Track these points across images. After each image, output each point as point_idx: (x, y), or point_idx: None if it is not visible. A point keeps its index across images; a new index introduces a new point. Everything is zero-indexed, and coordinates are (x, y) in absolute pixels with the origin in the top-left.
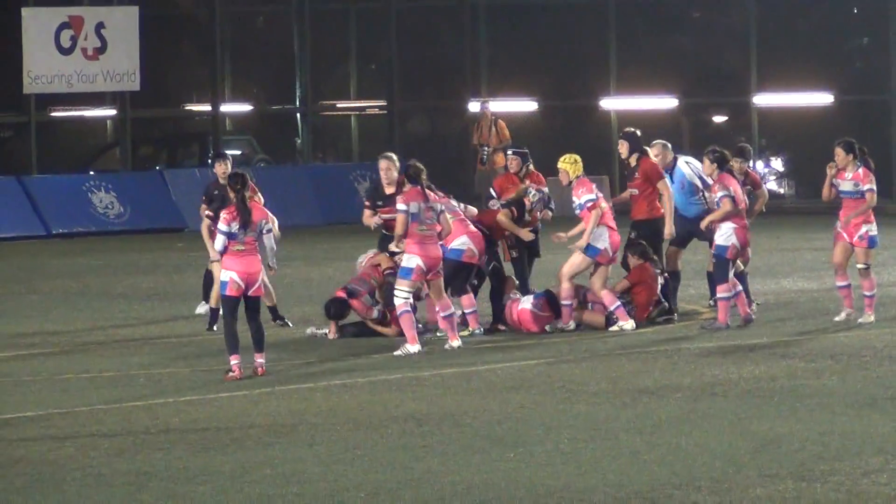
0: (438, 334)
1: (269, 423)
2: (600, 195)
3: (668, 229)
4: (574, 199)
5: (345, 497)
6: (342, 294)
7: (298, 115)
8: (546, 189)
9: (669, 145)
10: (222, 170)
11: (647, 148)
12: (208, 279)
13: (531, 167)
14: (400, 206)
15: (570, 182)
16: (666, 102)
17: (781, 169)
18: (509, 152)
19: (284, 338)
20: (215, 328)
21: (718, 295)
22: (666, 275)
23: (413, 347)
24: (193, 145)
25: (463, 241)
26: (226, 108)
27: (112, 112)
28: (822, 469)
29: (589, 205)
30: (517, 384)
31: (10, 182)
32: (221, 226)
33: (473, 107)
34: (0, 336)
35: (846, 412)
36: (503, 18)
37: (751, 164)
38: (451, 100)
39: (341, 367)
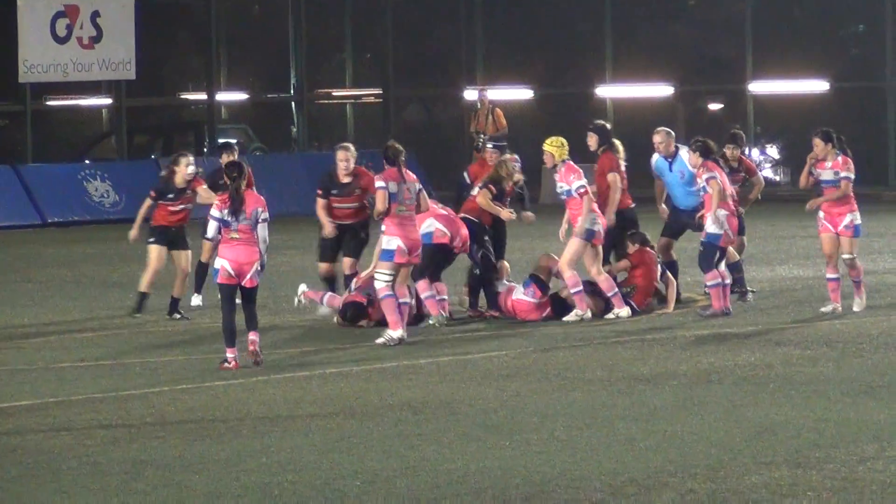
0: (430, 322)
1: (264, 411)
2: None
3: (609, 218)
4: (560, 183)
5: (340, 485)
6: (362, 299)
7: (294, 103)
8: (521, 179)
9: (673, 133)
10: (229, 160)
11: (615, 141)
12: (201, 270)
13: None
14: (379, 183)
15: (555, 165)
16: (662, 90)
17: (777, 156)
18: (489, 145)
19: (280, 325)
20: (177, 316)
21: (708, 283)
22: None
23: (396, 333)
24: (189, 134)
25: (429, 224)
26: (221, 96)
27: (107, 101)
28: (817, 456)
29: (581, 191)
30: (513, 372)
31: (6, 171)
32: (213, 211)
33: (469, 95)
34: None
35: (842, 399)
36: (499, 6)
37: (746, 151)
38: (446, 88)
39: (337, 355)
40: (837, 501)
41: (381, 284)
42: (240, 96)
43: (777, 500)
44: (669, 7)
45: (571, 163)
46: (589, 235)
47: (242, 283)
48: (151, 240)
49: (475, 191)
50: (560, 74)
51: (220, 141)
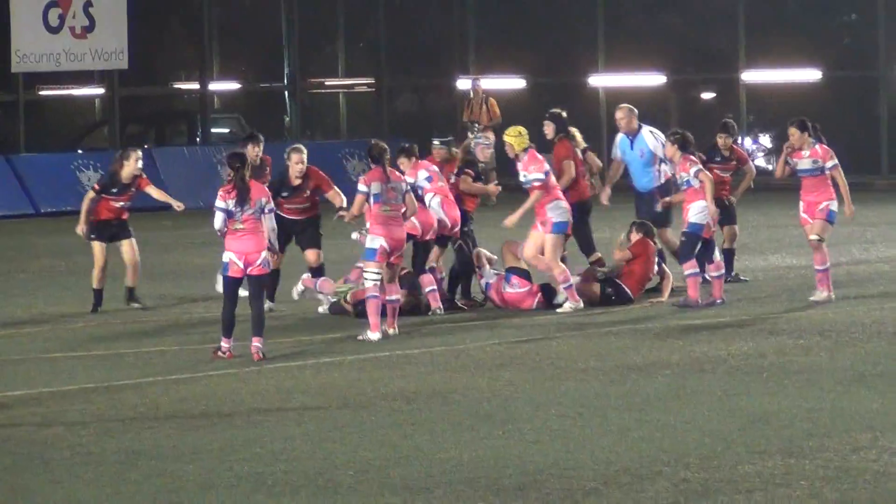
0: (430, 314)
1: (257, 401)
2: (549, 171)
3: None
4: (523, 172)
5: (333, 475)
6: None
7: (287, 93)
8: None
9: (636, 111)
10: (255, 152)
11: (572, 129)
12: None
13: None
14: (360, 187)
15: (517, 155)
16: (654, 79)
17: (769, 145)
18: (434, 142)
19: (272, 315)
20: (99, 310)
21: (686, 272)
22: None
23: (373, 335)
24: (181, 124)
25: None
26: (214, 86)
27: (100, 91)
28: (810, 445)
29: (537, 184)
30: (506, 361)
31: None
32: (218, 202)
33: (462, 84)
34: None
35: (835, 388)
36: None
37: (738, 140)
38: (439, 77)
39: (330, 345)
40: (831, 491)
41: (369, 284)
42: (232, 86)
43: (770, 489)
44: None
45: (535, 152)
46: (562, 228)
47: (249, 272)
48: (93, 236)
49: (452, 180)
50: (553, 64)
51: (246, 134)
